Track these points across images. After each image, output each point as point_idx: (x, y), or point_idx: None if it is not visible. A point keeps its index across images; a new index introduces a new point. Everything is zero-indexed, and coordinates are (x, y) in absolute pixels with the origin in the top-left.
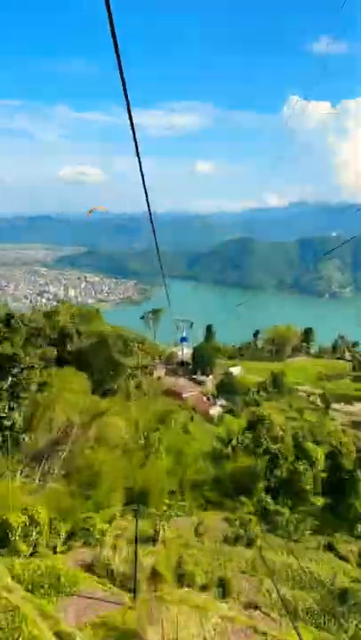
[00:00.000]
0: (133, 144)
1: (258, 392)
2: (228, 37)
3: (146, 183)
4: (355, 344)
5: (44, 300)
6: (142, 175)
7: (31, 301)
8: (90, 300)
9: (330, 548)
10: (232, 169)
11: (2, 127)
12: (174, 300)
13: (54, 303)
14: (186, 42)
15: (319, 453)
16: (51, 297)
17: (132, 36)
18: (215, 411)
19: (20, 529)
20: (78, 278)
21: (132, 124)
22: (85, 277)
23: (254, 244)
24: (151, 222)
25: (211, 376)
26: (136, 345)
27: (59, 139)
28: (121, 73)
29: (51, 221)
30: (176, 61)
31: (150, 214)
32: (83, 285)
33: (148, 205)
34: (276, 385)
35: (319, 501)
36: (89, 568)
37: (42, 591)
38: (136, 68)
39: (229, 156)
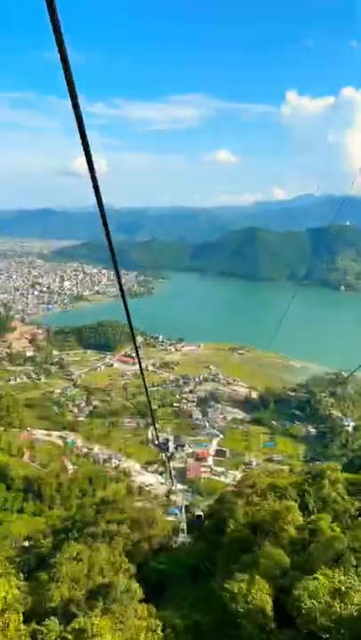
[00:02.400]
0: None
1: None
2: (228, 33)
3: (147, 179)
4: None
5: (35, 292)
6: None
7: (22, 293)
8: (86, 292)
9: None
10: (238, 162)
11: (4, 120)
12: (176, 292)
13: (46, 296)
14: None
15: None
16: (44, 289)
17: (131, 29)
18: None
19: None
20: (76, 270)
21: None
22: (83, 269)
23: (262, 234)
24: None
25: None
26: None
27: (59, 133)
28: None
29: (52, 215)
30: (177, 55)
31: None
32: (80, 277)
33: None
34: None
35: None
36: None
37: None
38: (135, 60)
39: (234, 149)
